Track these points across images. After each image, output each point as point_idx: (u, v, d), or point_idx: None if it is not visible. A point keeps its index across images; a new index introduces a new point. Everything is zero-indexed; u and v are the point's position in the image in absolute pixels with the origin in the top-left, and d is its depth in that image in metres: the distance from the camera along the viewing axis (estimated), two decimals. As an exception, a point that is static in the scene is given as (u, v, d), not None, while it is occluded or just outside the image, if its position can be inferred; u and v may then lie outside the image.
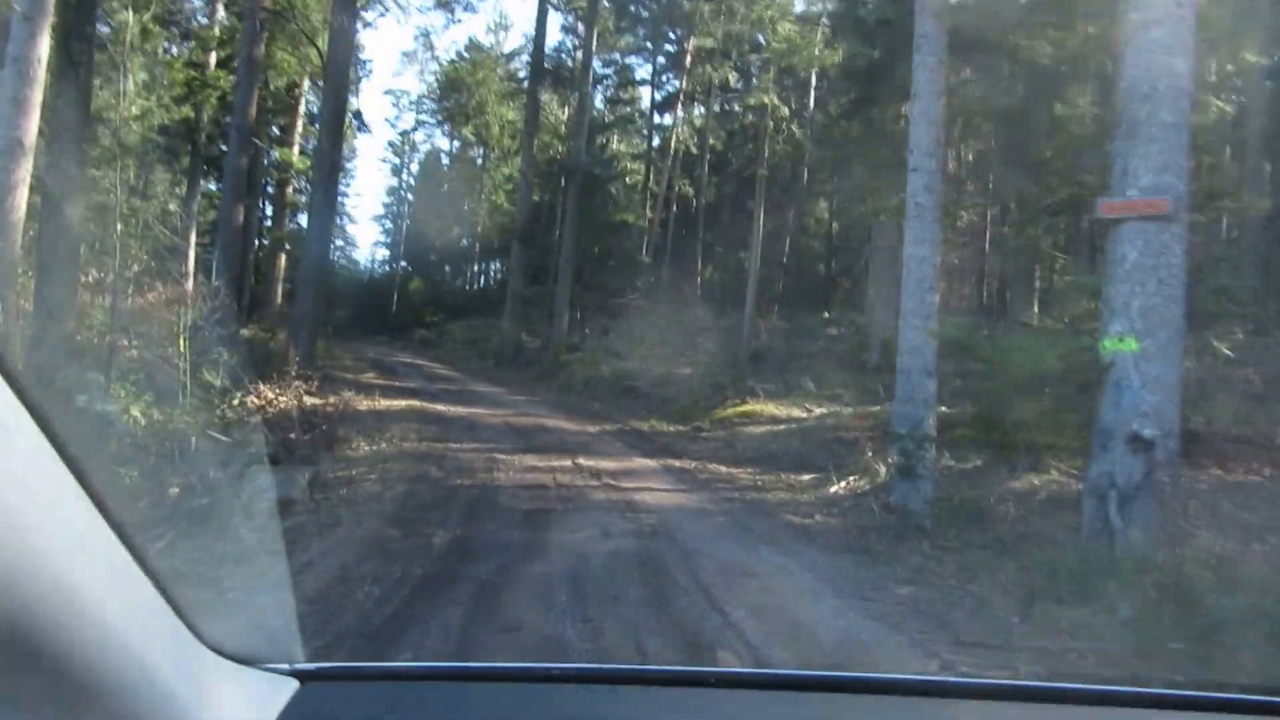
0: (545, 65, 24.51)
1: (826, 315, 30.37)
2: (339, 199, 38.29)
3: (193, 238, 27.89)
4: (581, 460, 11.83)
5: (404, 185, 50.78)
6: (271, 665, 1.29)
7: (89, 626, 0.77)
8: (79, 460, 0.78)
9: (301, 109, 30.19)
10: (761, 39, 26.02)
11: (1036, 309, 14.24)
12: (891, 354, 21.76)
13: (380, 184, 68.78)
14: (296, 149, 30.24)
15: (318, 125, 18.33)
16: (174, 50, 32.67)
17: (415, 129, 49.53)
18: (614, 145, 39.69)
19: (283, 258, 30.91)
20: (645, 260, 29.62)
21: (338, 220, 44.12)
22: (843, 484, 11.82)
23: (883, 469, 11.91)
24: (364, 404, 15.38)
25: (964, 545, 8.55)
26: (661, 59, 42.07)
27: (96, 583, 0.80)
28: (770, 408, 16.91)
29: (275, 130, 31.26)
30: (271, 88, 30.18)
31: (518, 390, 21.07)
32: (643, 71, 42.85)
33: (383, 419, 13.95)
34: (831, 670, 2.43)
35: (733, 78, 28.77)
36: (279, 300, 30.92)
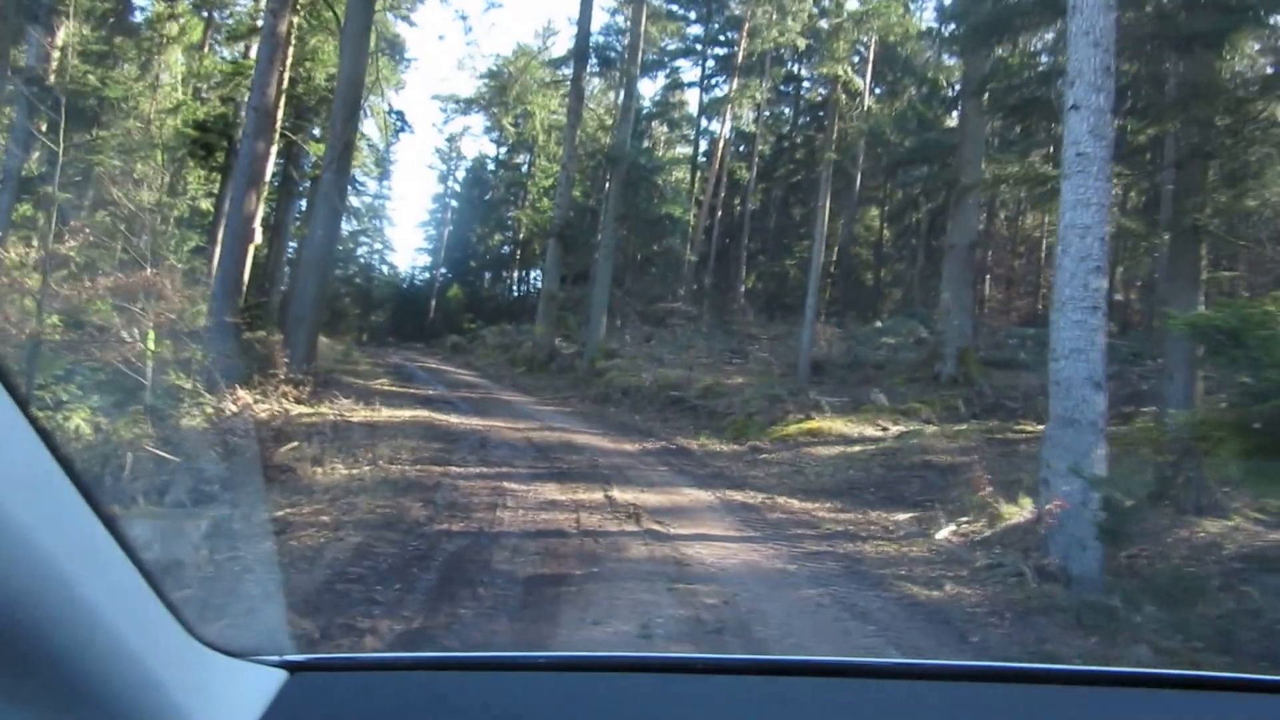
0: (590, 46, 21.53)
1: (879, 324, 27.13)
2: (351, 186, 35.84)
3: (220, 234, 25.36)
4: (616, 492, 8.79)
5: (449, 192, 48.20)
6: (261, 657, 1.23)
7: (82, 621, 0.76)
8: (70, 458, 0.75)
9: (338, 103, 27.56)
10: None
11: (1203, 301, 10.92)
12: (969, 365, 18.55)
13: (426, 190, 66.49)
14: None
15: (335, 100, 15.48)
16: (219, 47, 30.43)
17: (455, 124, 46.95)
18: (659, 140, 36.70)
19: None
20: (691, 258, 26.51)
21: (377, 223, 41.59)
22: (953, 528, 8.67)
23: (1006, 508, 8.76)
24: (360, 414, 12.46)
25: (1187, 642, 5.46)
26: (711, 61, 39.23)
27: (88, 577, 0.78)
28: (839, 424, 13.77)
29: (314, 132, 28.78)
30: (307, 80, 27.70)
31: (548, 399, 18.10)
32: (690, 75, 40.00)
33: (376, 433, 11.00)
34: (823, 657, 2.84)
35: (800, 43, 25.35)
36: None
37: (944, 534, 8.53)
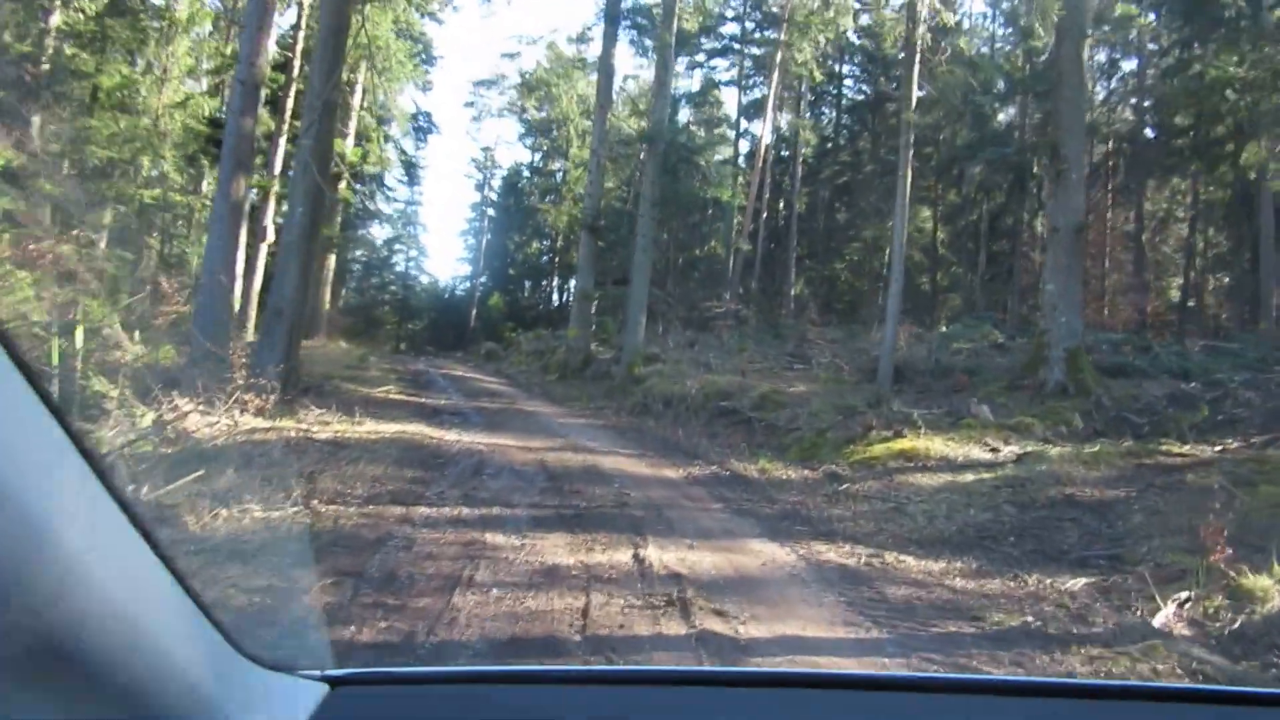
0: (621, 10, 18.36)
1: (945, 329, 23.65)
2: (381, 191, 33.03)
3: (242, 235, 22.63)
4: (652, 550, 5.60)
5: (486, 200, 45.49)
6: (302, 671, 1.22)
7: (128, 632, 0.76)
8: (112, 477, 0.75)
9: (357, 98, 24.82)
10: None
11: None
12: (1081, 371, 15.05)
13: (464, 199, 64.24)
14: (351, 140, 24.84)
15: (317, 54, 12.51)
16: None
17: (488, 129, 44.24)
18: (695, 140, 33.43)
19: (332, 260, 25.48)
20: (744, 246, 23.25)
21: (411, 230, 38.90)
22: (1173, 609, 5.38)
23: (1254, 580, 5.45)
24: (332, 429, 9.38)
25: None
26: (749, 62, 36.08)
27: (134, 592, 0.78)
28: (937, 444, 10.42)
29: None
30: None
31: (577, 410, 14.96)
32: (727, 75, 36.87)
33: (338, 456, 7.93)
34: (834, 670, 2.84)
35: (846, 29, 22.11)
36: (326, 306, 25.49)
37: (1164, 618, 5.24)
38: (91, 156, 18.97)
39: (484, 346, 28.96)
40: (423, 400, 13.89)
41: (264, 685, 1.08)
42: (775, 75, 31.78)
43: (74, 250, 19.47)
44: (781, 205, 38.02)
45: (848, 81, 37.42)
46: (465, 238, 45.90)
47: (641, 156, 18.80)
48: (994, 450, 10.55)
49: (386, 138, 27.33)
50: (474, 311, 40.85)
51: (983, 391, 13.78)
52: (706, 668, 2.94)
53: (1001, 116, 31.82)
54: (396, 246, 38.69)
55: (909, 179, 13.29)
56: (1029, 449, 10.52)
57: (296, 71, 21.00)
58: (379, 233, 37.15)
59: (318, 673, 1.23)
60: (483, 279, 43.89)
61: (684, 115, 32.54)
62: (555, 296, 43.26)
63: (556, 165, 43.02)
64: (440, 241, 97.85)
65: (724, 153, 37.78)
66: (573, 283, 40.49)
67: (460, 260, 47.54)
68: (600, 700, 1.32)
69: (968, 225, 33.01)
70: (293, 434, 8.68)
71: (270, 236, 21.35)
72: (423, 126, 34.33)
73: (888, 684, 1.53)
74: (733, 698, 1.36)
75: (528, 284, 45.17)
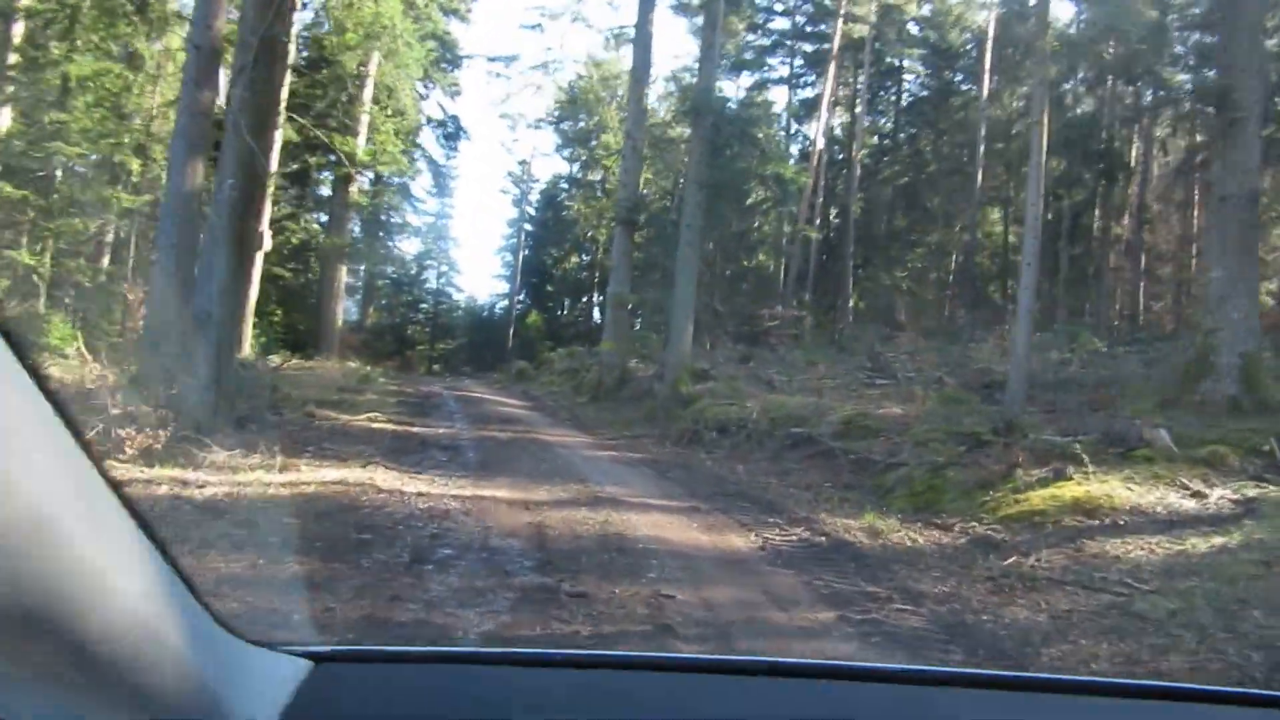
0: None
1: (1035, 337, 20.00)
2: (409, 203, 30.07)
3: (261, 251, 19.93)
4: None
5: (523, 216, 42.64)
6: (286, 646, 1.18)
7: (110, 606, 0.74)
8: (96, 449, 0.74)
9: (369, 92, 22.01)
10: None
11: None
12: (1261, 382, 11.25)
13: (501, 214, 61.61)
14: (363, 139, 22.05)
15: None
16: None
17: (524, 143, 41.53)
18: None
19: (343, 272, 22.62)
20: (807, 232, 19.86)
21: (443, 245, 36.08)
22: None
23: None
24: (236, 478, 6.20)
25: None
26: (800, 60, 32.84)
27: (116, 564, 0.76)
28: (1115, 487, 7.01)
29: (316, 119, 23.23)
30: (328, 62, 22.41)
31: (610, 439, 11.75)
32: (779, 71, 33.62)
33: (207, 524, 4.83)
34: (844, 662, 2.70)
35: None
36: (338, 322, 22.61)
37: None
38: (60, 154, 16.37)
39: (515, 365, 25.89)
40: (415, 430, 10.77)
41: (248, 660, 1.05)
42: (831, 67, 28.53)
43: (34, 260, 16.86)
44: (833, 213, 34.66)
45: (907, 76, 33.92)
46: (503, 254, 43.09)
47: (684, 145, 15.55)
48: (1197, 495, 7.13)
49: (414, 144, 24.50)
50: (511, 330, 37.96)
51: (1131, 409, 10.29)
52: (700, 655, 2.83)
53: (1086, 105, 28.20)
54: (427, 262, 35.90)
55: (1044, 140, 9.88)
56: (1246, 492, 7.12)
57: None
58: (409, 247, 34.39)
59: (300, 648, 1.19)
60: (520, 296, 41.06)
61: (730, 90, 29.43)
62: (595, 313, 40.28)
63: (596, 175, 40.15)
64: (477, 259, 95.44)
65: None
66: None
67: (497, 278, 44.58)
68: (585, 683, 1.28)
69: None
70: (164, 490, 5.56)
71: (266, 244, 18.52)
72: (451, 132, 31.58)
73: (883, 676, 1.43)
74: (723, 685, 1.32)
75: (567, 300, 42.30)
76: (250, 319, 18.02)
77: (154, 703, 0.83)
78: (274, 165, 18.88)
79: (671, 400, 13.43)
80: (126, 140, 18.98)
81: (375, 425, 10.60)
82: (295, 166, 26.51)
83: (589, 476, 8.17)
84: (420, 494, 6.36)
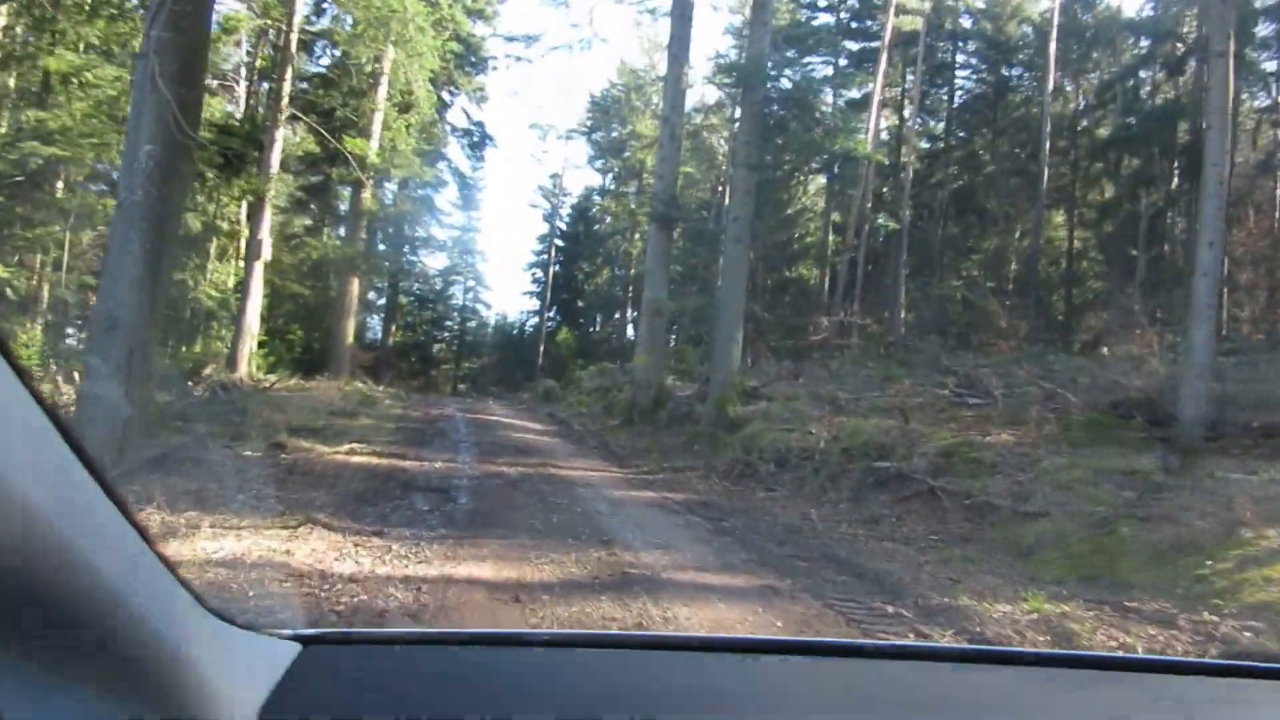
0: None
1: (1105, 350, 17.46)
2: (432, 215, 27.82)
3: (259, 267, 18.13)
4: None
5: (554, 231, 40.65)
6: (273, 630, 1.16)
7: (94, 588, 0.73)
8: (75, 430, 0.72)
9: (383, 90, 20.09)
10: None
11: None
12: None
13: (530, 232, 59.76)
14: (375, 143, 20.11)
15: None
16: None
17: (555, 155, 39.61)
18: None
19: (356, 285, 20.61)
20: (886, 224, 17.46)
21: (469, 259, 34.14)
22: None
23: None
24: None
25: None
26: (844, 60, 30.54)
27: (104, 554, 0.74)
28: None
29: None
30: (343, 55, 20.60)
31: (648, 473, 9.49)
32: (822, 71, 31.35)
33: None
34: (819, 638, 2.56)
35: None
36: (349, 339, 20.59)
37: None
38: (35, 154, 14.59)
39: (542, 385, 23.76)
40: (403, 464, 8.59)
41: (236, 644, 1.02)
42: (881, 62, 26.23)
43: (9, 273, 15.02)
44: (879, 219, 32.29)
45: (961, 74, 31.48)
46: (533, 270, 41.13)
47: (732, 127, 13.32)
48: None
49: (429, 145, 22.54)
50: (541, 348, 35.94)
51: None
52: (684, 634, 2.72)
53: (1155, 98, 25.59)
54: (453, 277, 33.98)
55: (1231, 74, 7.48)
56: None
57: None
58: (434, 262, 32.50)
59: (288, 631, 1.18)
60: (551, 313, 39.06)
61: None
62: (629, 329, 38.17)
63: (631, 188, 38.15)
64: (507, 275, 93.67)
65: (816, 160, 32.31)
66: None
67: (527, 294, 42.62)
68: (574, 663, 1.28)
69: (1117, 229, 26.60)
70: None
71: (266, 253, 16.59)
72: (477, 141, 29.68)
73: (891, 653, 1.40)
74: (709, 663, 1.31)
75: (599, 317, 40.32)
76: (249, 336, 16.08)
77: (142, 687, 0.82)
78: (275, 166, 16.98)
79: (717, 423, 11.17)
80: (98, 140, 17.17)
81: (354, 459, 8.44)
82: (315, 179, 24.79)
83: (617, 534, 5.92)
84: (350, 579, 4.14)
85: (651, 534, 6.07)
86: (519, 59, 25.62)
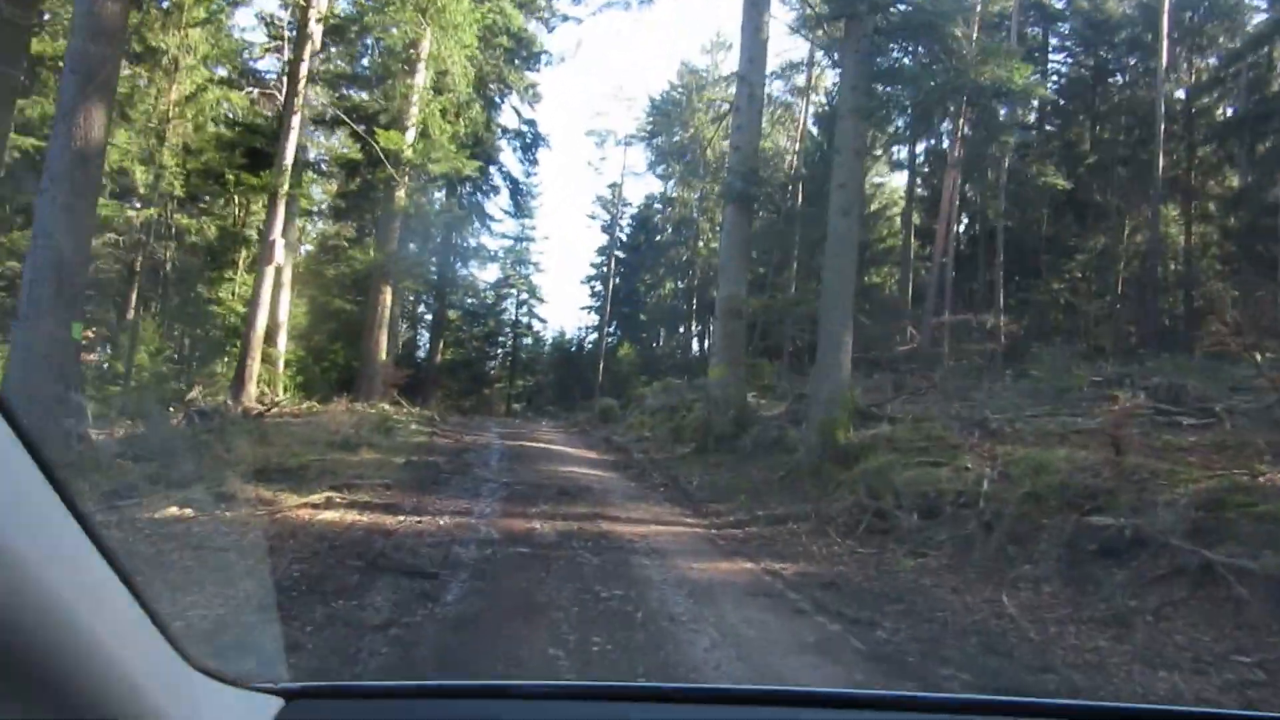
0: None
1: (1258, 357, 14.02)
2: (481, 222, 25.28)
3: (284, 273, 16.04)
4: None
5: (614, 243, 38.17)
6: (257, 684, 1.12)
7: (77, 643, 0.70)
8: (66, 484, 0.70)
9: (420, 79, 17.81)
10: None
11: None
12: None
13: (589, 244, 57.40)
14: (413, 133, 17.80)
15: None
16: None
17: (613, 161, 37.19)
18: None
19: (388, 294, 18.28)
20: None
21: (522, 270, 31.80)
22: None
23: None
24: None
25: None
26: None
27: (88, 606, 0.72)
28: None
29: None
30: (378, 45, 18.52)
31: (734, 525, 6.75)
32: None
33: None
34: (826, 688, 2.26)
35: None
36: (382, 355, 18.23)
37: None
38: (16, 148, 12.59)
39: (600, 404, 21.15)
40: (387, 521, 5.99)
41: (220, 699, 1.00)
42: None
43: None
44: (966, 221, 29.19)
45: (1054, 57, 28.24)
46: (592, 283, 38.73)
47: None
48: None
49: (470, 134, 20.21)
50: (601, 364, 33.43)
51: None
52: (678, 684, 2.49)
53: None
54: (506, 289, 31.66)
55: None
56: None
57: None
58: (485, 274, 30.24)
59: (272, 685, 1.14)
60: (611, 328, 36.54)
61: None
62: (694, 344, 35.45)
63: (689, 195, 35.58)
64: (564, 288, 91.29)
65: (896, 153, 29.29)
66: (713, 325, 32.58)
67: (585, 309, 40.20)
68: (561, 715, 1.24)
69: (1250, 222, 22.97)
70: None
71: (278, 257, 14.31)
72: (529, 143, 27.37)
73: (900, 705, 1.33)
74: (703, 715, 1.26)
75: (662, 331, 37.70)
76: (257, 352, 13.82)
77: None
78: (289, 157, 14.72)
79: (823, 453, 8.37)
80: (124, 143, 15.23)
81: (320, 516, 5.89)
82: (354, 185, 22.70)
83: (704, 667, 3.21)
84: None
85: (765, 663, 3.33)
86: (567, 18, 23.20)
